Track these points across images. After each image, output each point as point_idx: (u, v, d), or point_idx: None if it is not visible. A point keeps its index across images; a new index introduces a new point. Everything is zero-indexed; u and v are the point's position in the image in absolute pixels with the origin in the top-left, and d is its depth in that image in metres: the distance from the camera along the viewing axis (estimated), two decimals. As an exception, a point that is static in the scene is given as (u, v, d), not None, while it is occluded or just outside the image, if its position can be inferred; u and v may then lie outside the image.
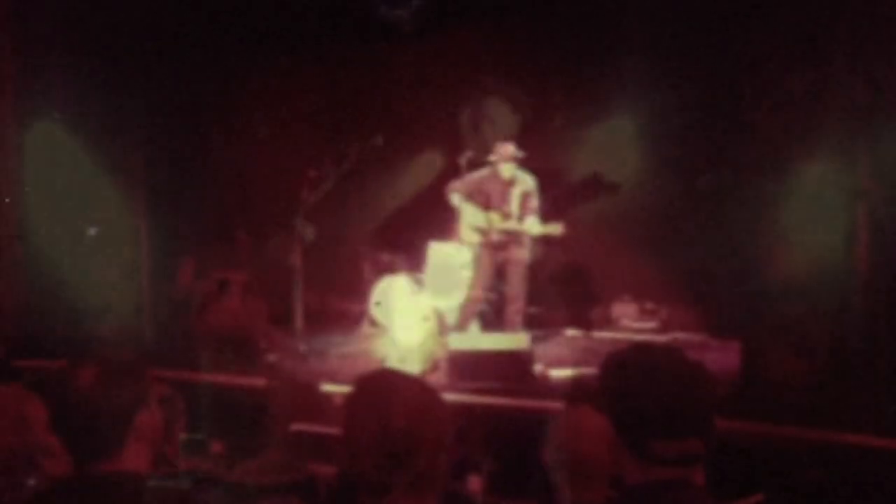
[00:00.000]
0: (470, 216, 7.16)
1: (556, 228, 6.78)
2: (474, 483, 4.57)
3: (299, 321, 7.01)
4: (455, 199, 7.19)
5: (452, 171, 7.37)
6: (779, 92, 4.89)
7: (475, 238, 7.17)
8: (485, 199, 7.11)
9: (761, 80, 4.97)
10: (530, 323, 7.40)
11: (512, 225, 7.00)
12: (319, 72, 9.18)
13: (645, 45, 7.86)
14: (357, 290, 8.34)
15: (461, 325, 7.14)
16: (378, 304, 7.76)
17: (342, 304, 8.66)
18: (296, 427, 5.11)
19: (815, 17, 4.85)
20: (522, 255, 7.09)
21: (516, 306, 7.04)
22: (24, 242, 7.26)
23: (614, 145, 8.15)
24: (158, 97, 8.10)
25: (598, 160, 8.25)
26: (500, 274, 7.17)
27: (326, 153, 7.44)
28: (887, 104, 4.87)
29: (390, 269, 7.98)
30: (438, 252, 7.68)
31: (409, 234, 8.16)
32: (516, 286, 7.04)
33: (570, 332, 7.86)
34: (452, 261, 7.53)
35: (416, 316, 6.76)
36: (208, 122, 9.05)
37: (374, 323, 7.85)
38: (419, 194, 8.42)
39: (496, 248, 7.13)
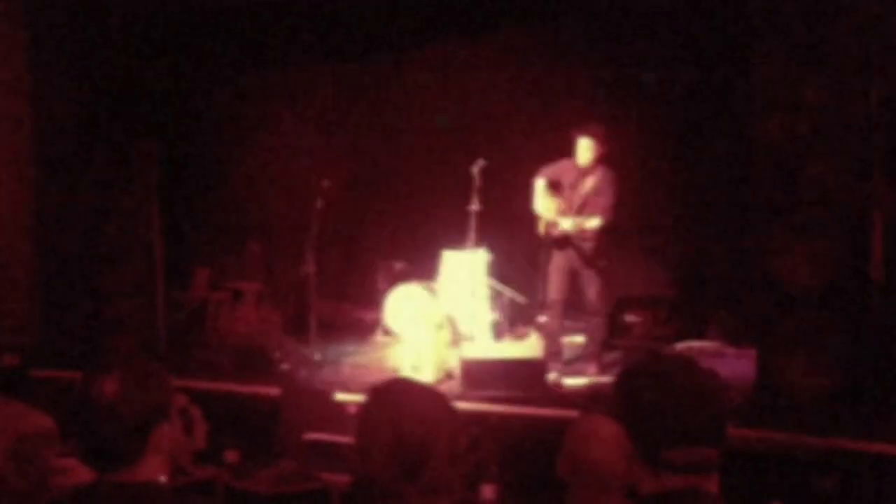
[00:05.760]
0: (540, 204, 6.37)
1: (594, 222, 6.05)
2: (488, 492, 4.57)
3: (313, 330, 7.03)
4: (538, 185, 6.36)
5: (465, 181, 7.35)
6: (791, 103, 4.89)
7: (543, 230, 6.41)
8: (558, 187, 6.30)
9: (773, 91, 4.96)
10: (543, 331, 7.36)
11: (567, 224, 6.11)
12: (334, 82, 9.22)
13: (657, 60, 7.86)
14: (370, 299, 8.35)
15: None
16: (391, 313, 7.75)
17: (355, 314, 8.67)
18: (309, 436, 5.12)
19: (827, 27, 4.85)
20: (593, 263, 6.26)
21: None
22: (40, 252, 7.30)
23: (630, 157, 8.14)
24: (172, 108, 8.15)
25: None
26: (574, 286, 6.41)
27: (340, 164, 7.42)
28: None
29: (404, 278, 7.98)
30: (452, 260, 7.67)
31: (422, 242, 8.16)
32: (594, 302, 6.37)
33: (584, 340, 7.82)
34: (466, 267, 7.42)
35: (429, 325, 6.76)
36: (221, 133, 9.10)
37: (387, 332, 7.85)
38: (433, 203, 8.41)
39: (560, 248, 6.31)
